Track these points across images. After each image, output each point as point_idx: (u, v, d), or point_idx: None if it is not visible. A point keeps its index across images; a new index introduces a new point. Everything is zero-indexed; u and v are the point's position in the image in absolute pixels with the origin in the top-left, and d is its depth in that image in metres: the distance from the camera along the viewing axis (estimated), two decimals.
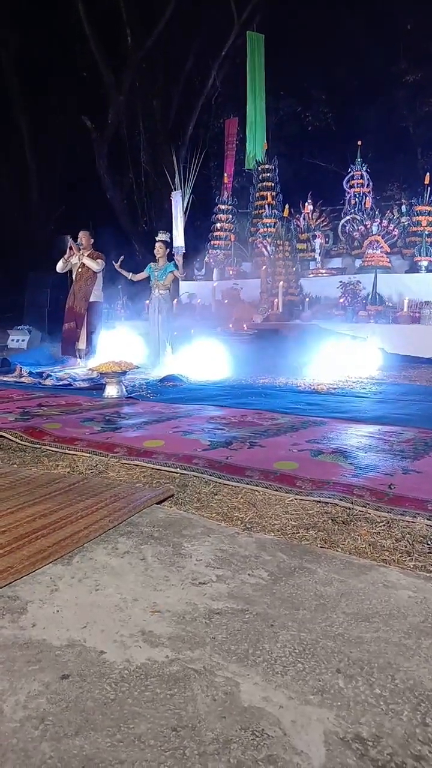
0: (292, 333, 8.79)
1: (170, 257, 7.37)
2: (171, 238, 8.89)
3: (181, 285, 11.92)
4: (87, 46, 15.01)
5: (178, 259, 7.40)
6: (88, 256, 7.37)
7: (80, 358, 7.47)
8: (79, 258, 7.40)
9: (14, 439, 3.41)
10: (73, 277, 7.54)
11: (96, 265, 7.34)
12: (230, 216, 12.07)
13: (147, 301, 7.38)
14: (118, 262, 7.31)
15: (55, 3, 14.46)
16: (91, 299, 7.40)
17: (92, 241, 7.61)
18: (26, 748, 1.02)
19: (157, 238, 7.33)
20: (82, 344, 7.48)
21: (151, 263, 7.38)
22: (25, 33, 15.15)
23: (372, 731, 1.06)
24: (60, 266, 7.57)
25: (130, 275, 7.40)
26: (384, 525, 2.06)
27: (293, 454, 3.00)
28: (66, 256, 7.48)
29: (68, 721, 1.08)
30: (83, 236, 7.49)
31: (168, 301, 7.30)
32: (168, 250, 7.33)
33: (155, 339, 7.25)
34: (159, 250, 7.20)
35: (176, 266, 7.26)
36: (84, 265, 7.37)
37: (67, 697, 1.15)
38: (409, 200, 10.38)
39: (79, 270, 7.44)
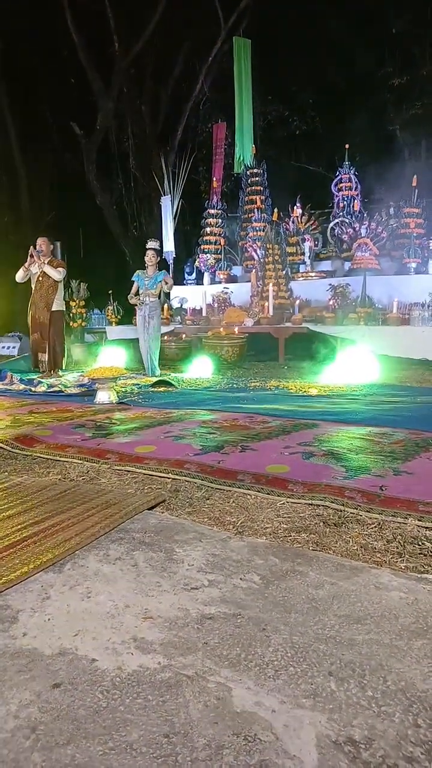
0: (283, 336, 8.82)
1: (161, 265, 7.30)
2: (161, 244, 8.85)
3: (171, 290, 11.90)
4: (75, 53, 15.02)
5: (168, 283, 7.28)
6: (48, 263, 7.23)
7: (43, 370, 7.30)
8: (39, 266, 7.22)
9: (5, 446, 3.39)
10: (33, 286, 7.35)
11: (57, 274, 7.21)
12: (220, 220, 12.09)
13: (136, 307, 7.27)
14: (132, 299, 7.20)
15: (42, 9, 14.46)
16: (53, 308, 7.26)
17: (52, 247, 7.45)
18: (17, 758, 1.01)
19: (147, 246, 7.24)
20: (45, 355, 7.35)
21: (138, 271, 7.27)
22: (11, 39, 15.13)
23: (364, 734, 1.06)
24: (20, 275, 7.35)
25: (132, 299, 7.26)
26: (375, 527, 2.06)
27: (285, 457, 3.01)
28: (27, 264, 7.28)
29: (60, 730, 1.08)
30: (42, 243, 7.28)
31: (158, 308, 7.19)
32: (159, 258, 7.27)
33: (144, 346, 7.19)
34: (151, 258, 7.10)
35: (167, 275, 7.20)
36: (45, 273, 7.21)
37: (59, 706, 1.15)
38: (397, 202, 10.44)
39: (40, 279, 7.26)
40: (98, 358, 8.12)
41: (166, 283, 7.14)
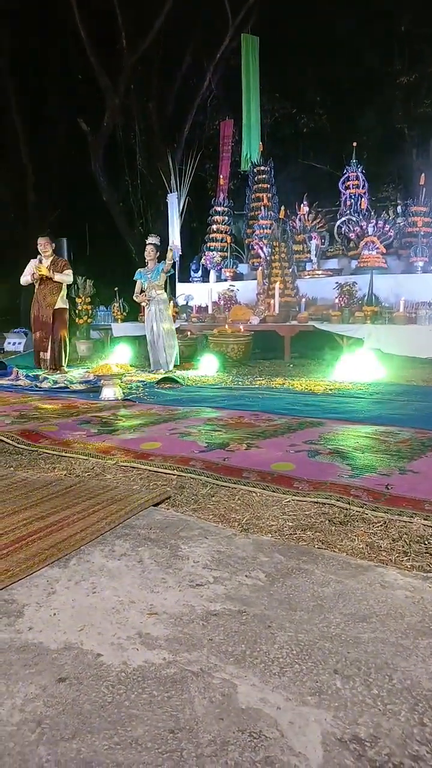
0: (289, 334, 8.80)
1: (160, 259, 7.32)
2: (165, 240, 8.86)
3: (177, 287, 11.92)
4: (82, 50, 15.01)
5: (175, 246, 7.32)
6: (52, 263, 7.22)
7: (45, 368, 7.31)
8: (50, 275, 7.15)
9: (11, 442, 3.40)
10: (35, 285, 7.36)
11: (68, 278, 7.27)
12: (226, 218, 12.07)
13: (143, 305, 7.29)
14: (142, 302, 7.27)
15: (50, 6, 14.46)
16: (57, 306, 7.27)
17: (54, 246, 7.45)
18: (23, 752, 1.02)
19: (147, 241, 7.29)
20: (47, 354, 7.37)
21: (140, 269, 7.31)
22: (20, 36, 15.14)
23: (370, 732, 1.06)
24: (24, 281, 7.37)
25: (138, 298, 7.30)
26: (381, 525, 2.06)
27: (290, 455, 3.00)
28: (35, 275, 7.21)
29: (65, 725, 1.08)
30: (44, 243, 7.27)
31: (165, 302, 7.25)
32: (158, 253, 7.30)
33: (154, 340, 7.21)
34: (150, 253, 7.15)
35: (165, 260, 7.24)
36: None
37: (64, 700, 1.15)
38: (405, 201, 10.39)
39: (44, 278, 7.27)
40: (110, 354, 8.16)
41: (170, 262, 7.16)
